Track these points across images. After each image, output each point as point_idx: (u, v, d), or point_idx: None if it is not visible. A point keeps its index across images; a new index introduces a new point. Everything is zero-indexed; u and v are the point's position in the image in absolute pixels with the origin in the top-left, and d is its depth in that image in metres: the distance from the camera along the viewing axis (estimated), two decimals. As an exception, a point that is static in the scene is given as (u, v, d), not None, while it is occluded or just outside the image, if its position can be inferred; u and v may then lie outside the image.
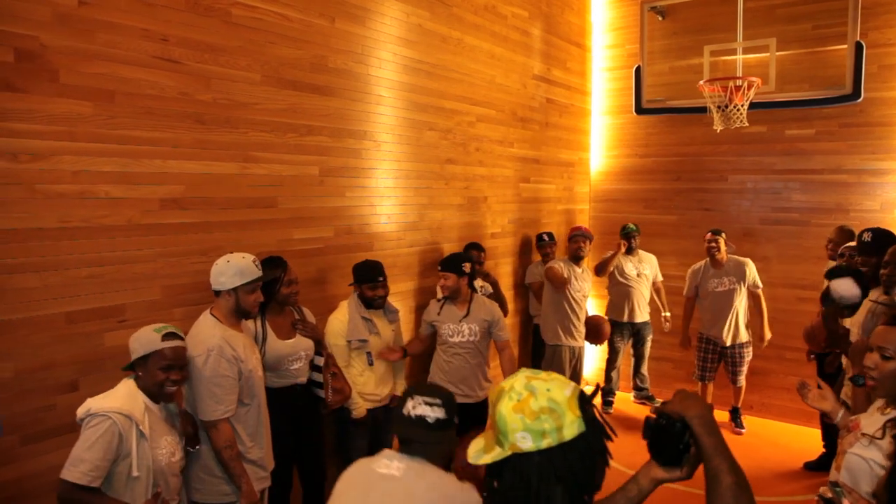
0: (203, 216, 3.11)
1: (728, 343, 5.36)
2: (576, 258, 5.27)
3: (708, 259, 5.42)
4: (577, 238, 5.29)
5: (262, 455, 2.85)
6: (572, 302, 5.21)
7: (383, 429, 3.78)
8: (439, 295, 4.21)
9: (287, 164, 3.50)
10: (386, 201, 4.19)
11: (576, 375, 5.48)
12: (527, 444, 1.22)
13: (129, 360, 2.36)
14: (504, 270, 5.51)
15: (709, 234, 5.41)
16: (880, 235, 3.55)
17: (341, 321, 3.58)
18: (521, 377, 1.29)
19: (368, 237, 4.07)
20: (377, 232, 4.14)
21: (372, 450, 3.78)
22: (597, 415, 1.30)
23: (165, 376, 2.33)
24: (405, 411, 1.95)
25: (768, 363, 5.67)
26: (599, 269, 5.78)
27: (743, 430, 5.56)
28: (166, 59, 2.90)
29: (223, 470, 2.68)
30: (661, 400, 5.82)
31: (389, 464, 1.91)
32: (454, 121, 4.75)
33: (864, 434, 1.93)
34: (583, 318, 5.34)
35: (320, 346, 3.41)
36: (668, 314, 6.05)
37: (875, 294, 3.28)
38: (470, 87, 4.89)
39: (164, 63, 2.89)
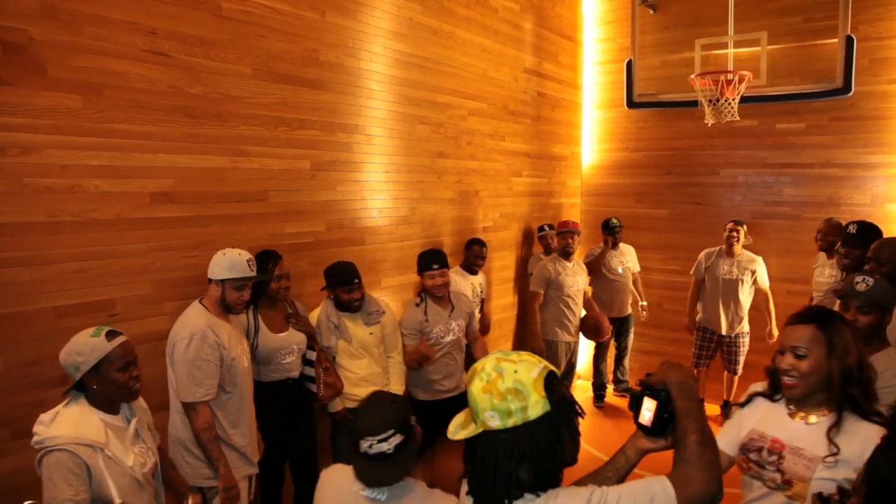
0: (194, 210, 3.10)
1: (724, 332, 5.40)
2: (565, 254, 5.28)
3: (724, 246, 5.45)
4: (564, 234, 5.30)
5: (244, 444, 2.90)
6: (566, 298, 5.23)
7: None
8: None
9: (278, 157, 3.49)
10: (377, 195, 4.18)
11: (570, 369, 5.50)
12: (495, 422, 1.31)
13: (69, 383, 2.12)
14: (496, 265, 5.51)
15: (730, 223, 5.43)
16: (865, 228, 3.63)
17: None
18: (493, 359, 1.37)
19: (360, 231, 4.06)
20: (369, 226, 4.13)
21: None
22: (566, 394, 1.37)
23: (128, 375, 2.12)
24: (363, 452, 1.85)
25: (758, 356, 5.68)
26: (589, 269, 5.80)
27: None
28: (155, 52, 2.88)
29: (203, 452, 2.74)
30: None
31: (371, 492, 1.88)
32: (446, 114, 4.74)
33: (826, 458, 1.78)
34: (578, 313, 5.35)
35: (313, 341, 3.41)
36: (645, 303, 6.10)
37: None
38: (461, 81, 4.88)
39: (154, 56, 2.88)
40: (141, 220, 2.88)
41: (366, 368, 3.60)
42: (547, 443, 1.31)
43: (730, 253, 5.40)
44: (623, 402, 6.10)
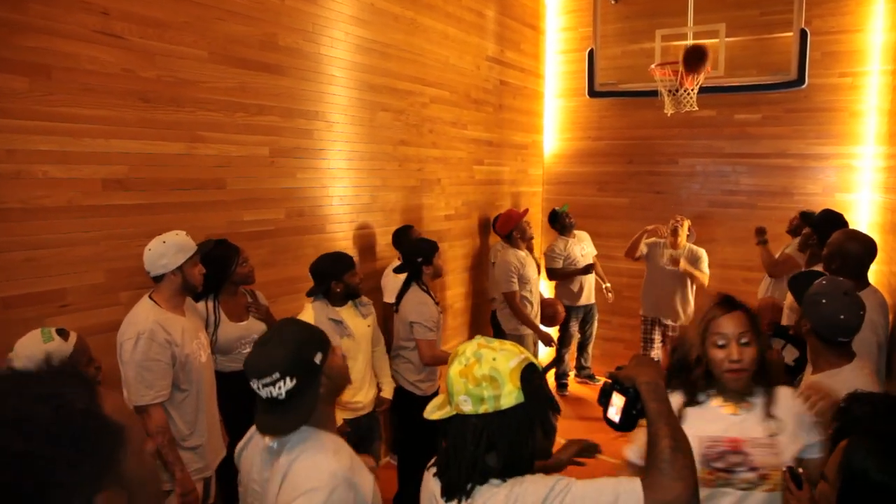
0: (149, 197, 3.01)
1: (669, 322, 5.51)
2: (527, 241, 5.28)
3: (670, 238, 5.52)
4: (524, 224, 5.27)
5: (201, 444, 2.76)
6: (529, 290, 5.23)
7: (368, 437, 3.50)
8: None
9: (236, 144, 3.41)
10: (338, 183, 4.13)
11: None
12: (467, 406, 1.31)
13: None
14: (457, 253, 5.51)
15: (677, 216, 5.53)
16: (830, 217, 3.96)
17: None
18: (475, 343, 1.37)
19: (320, 219, 4.01)
20: (329, 214, 4.08)
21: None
22: (543, 388, 1.36)
23: (92, 367, 2.15)
24: (258, 394, 1.63)
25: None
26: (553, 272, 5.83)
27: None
28: (107, 33, 2.78)
29: (158, 456, 2.62)
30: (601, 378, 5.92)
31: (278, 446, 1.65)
32: (407, 102, 4.70)
33: (774, 436, 1.75)
34: (537, 304, 5.36)
35: (274, 330, 3.33)
36: (608, 285, 6.10)
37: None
38: (423, 68, 4.85)
39: (106, 38, 2.78)
40: (93, 207, 2.79)
41: (363, 370, 3.39)
42: (517, 433, 1.30)
43: (673, 243, 5.46)
44: (585, 390, 6.18)
